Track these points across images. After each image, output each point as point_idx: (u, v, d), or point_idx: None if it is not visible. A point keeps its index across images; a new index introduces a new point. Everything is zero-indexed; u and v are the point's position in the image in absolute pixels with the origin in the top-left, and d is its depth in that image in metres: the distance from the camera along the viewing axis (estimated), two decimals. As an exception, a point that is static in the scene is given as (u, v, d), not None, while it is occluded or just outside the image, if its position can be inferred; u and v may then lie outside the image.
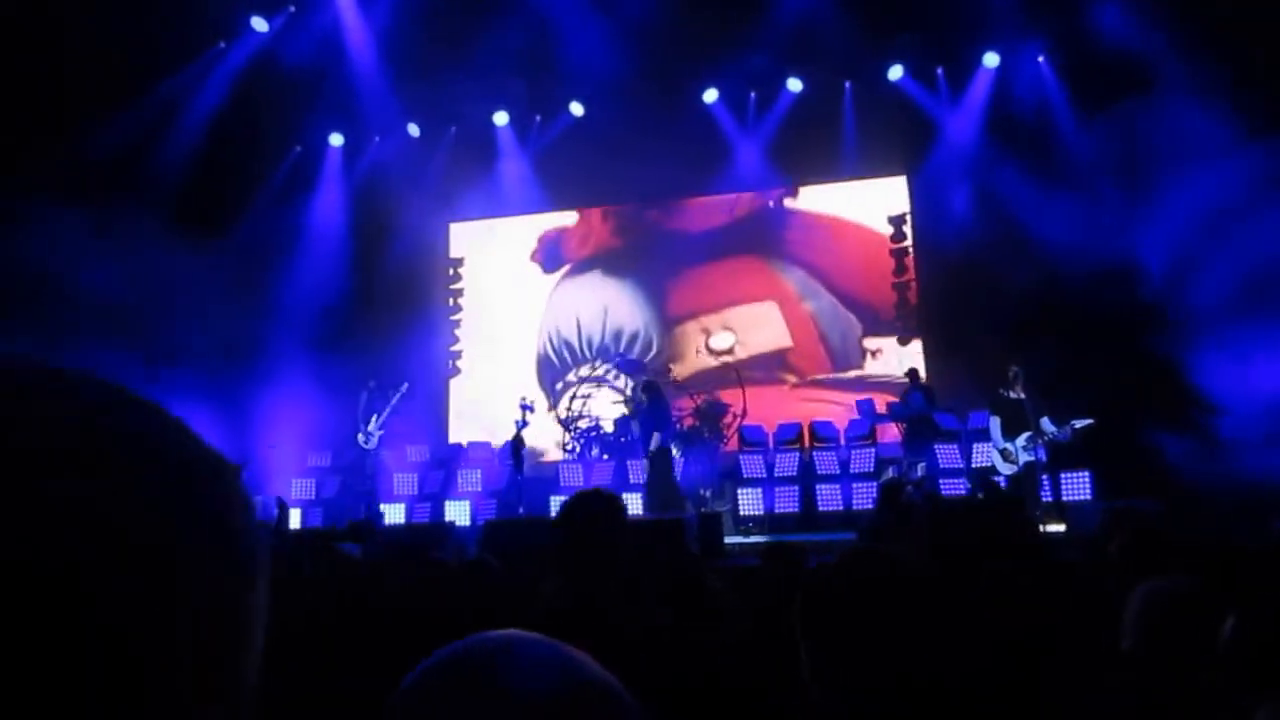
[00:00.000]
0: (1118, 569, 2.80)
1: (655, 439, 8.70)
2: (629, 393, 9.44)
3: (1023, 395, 7.47)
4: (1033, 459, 7.43)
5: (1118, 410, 7.87)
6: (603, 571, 2.08)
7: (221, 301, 10.17)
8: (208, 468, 0.42)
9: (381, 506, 10.06)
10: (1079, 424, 7.27)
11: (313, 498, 10.44)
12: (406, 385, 10.32)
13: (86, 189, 9.14)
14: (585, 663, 0.64)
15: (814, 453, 9.99)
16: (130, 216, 9.11)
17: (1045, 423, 7.39)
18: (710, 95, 12.16)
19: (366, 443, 10.15)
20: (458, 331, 13.11)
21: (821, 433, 10.47)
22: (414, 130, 12.58)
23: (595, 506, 2.20)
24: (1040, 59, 10.92)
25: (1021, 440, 7.44)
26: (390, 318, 11.79)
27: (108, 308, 8.41)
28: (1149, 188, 9.05)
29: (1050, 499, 7.99)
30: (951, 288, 10.81)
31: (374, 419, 10.19)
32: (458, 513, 9.71)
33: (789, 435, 10.53)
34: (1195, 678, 1.74)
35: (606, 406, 11.83)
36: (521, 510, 9.64)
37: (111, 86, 10.07)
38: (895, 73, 11.60)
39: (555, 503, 9.54)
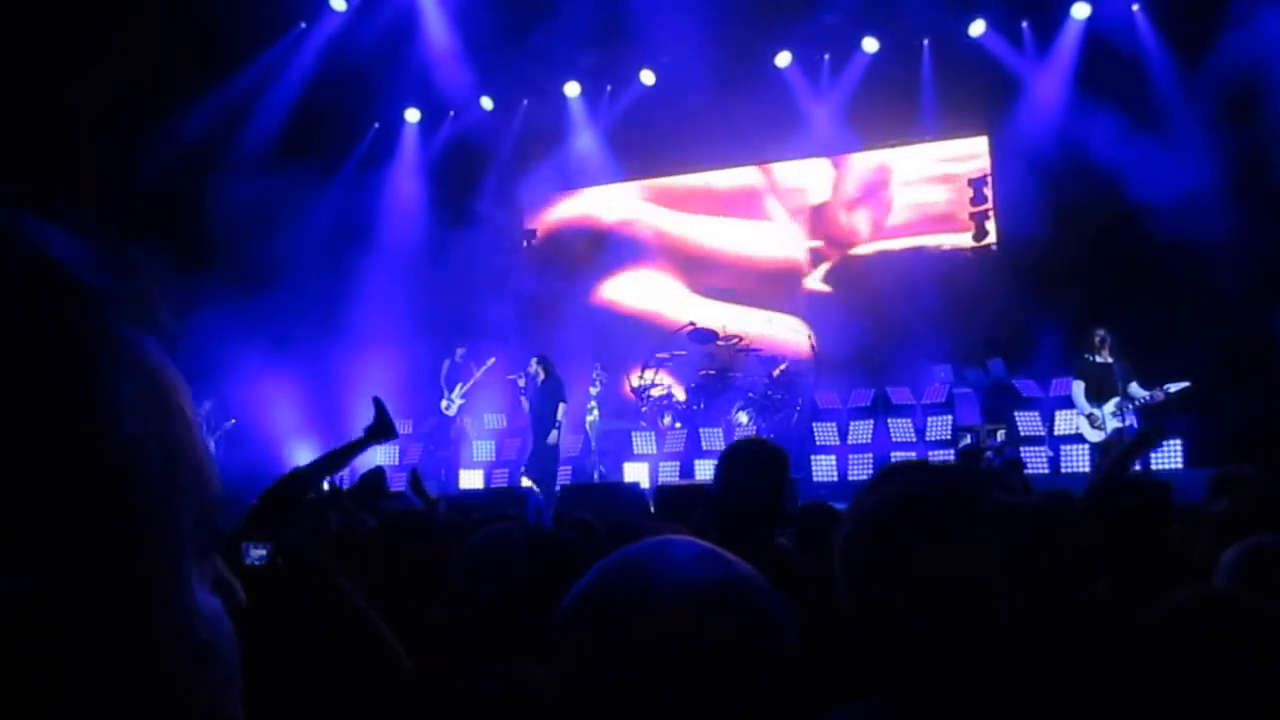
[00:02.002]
0: (1220, 531, 2.70)
1: (561, 409, 9.09)
2: (529, 367, 9.43)
3: (1110, 360, 7.21)
4: (1121, 425, 7.18)
5: (1214, 376, 7.52)
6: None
7: (306, 276, 10.52)
8: None
9: (461, 472, 10.35)
10: (1173, 387, 6.98)
11: (396, 464, 10.76)
12: (493, 359, 10.56)
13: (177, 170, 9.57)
14: (732, 559, 0.69)
15: (889, 420, 9.84)
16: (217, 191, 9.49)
17: (1134, 387, 7.13)
18: (783, 59, 11.93)
19: (449, 409, 10.45)
20: (533, 302, 13.26)
21: (896, 400, 10.29)
22: (487, 104, 12.71)
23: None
24: (1134, 7, 10.39)
25: (1110, 406, 7.19)
26: (470, 290, 12.00)
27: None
28: (1250, 144, 8.56)
29: (1140, 466, 7.71)
30: (1035, 250, 10.45)
31: (459, 387, 10.49)
32: (534, 479, 9.91)
33: (864, 402, 10.39)
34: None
35: (680, 375, 11.86)
36: (596, 476, 9.80)
37: (198, 70, 10.43)
38: (977, 28, 11.17)
39: (628, 469, 9.66)
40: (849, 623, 1.15)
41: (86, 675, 0.38)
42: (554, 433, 9.07)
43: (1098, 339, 7.28)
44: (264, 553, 1.87)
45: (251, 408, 10.17)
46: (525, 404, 9.61)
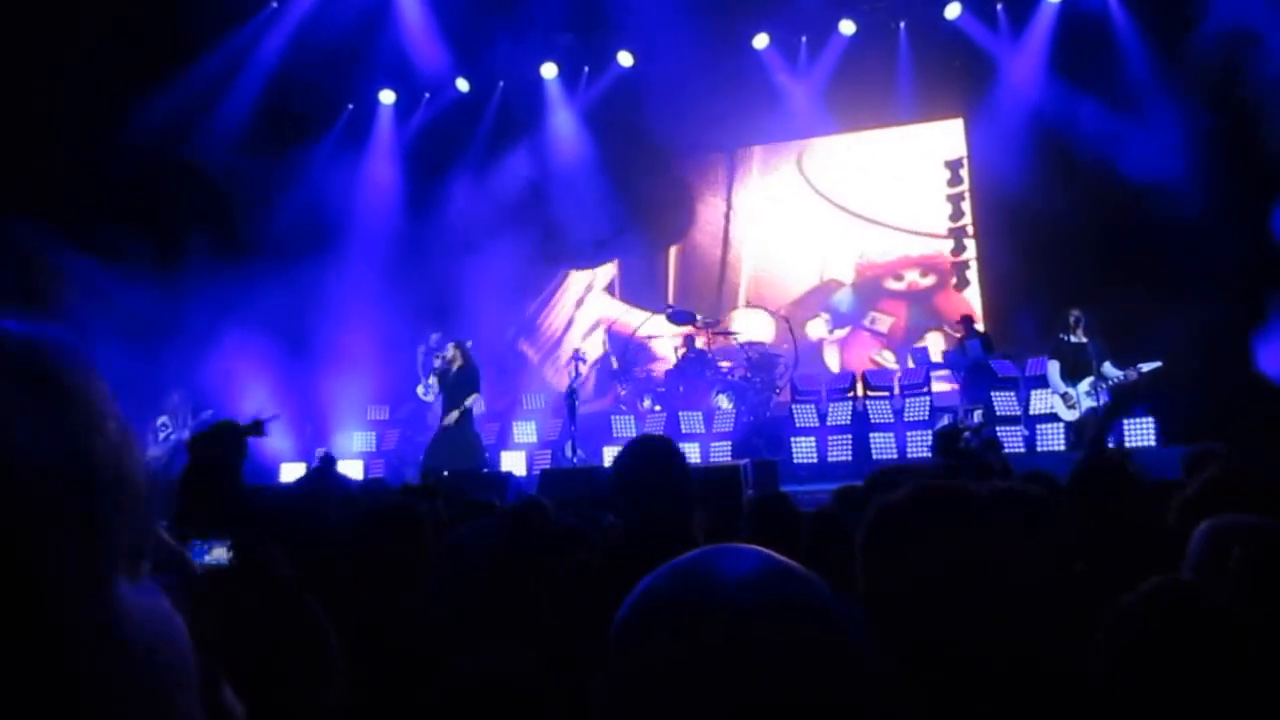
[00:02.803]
0: (1195, 509, 2.73)
1: (478, 400, 8.60)
2: (446, 351, 8.79)
3: (1084, 339, 7.29)
4: (1095, 404, 7.27)
5: (1188, 354, 7.62)
6: None
7: (281, 260, 10.40)
8: None
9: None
10: (1145, 367, 7.07)
11: (374, 450, 10.71)
12: (470, 342, 10.47)
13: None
14: (797, 566, 0.69)
15: (868, 401, 9.91)
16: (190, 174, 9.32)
17: (1108, 367, 7.22)
18: (760, 41, 11.91)
19: (426, 394, 10.37)
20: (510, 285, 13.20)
21: (875, 382, 10.37)
22: (463, 85, 12.58)
23: None
24: (1107, -13, 10.44)
25: (1084, 385, 7.28)
26: (446, 272, 11.92)
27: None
28: (1225, 123, 8.64)
29: (1113, 444, 7.83)
30: (1010, 232, 10.54)
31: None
32: (514, 463, 9.90)
33: (842, 385, 10.45)
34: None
35: (659, 358, 11.89)
36: (575, 460, 9.79)
37: (169, 51, 10.23)
38: (953, 11, 11.20)
39: (609, 453, 9.66)
40: (870, 621, 1.17)
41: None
42: (455, 413, 8.49)
43: (1072, 319, 7.36)
44: (224, 553, 1.80)
45: (226, 396, 10.06)
46: (434, 383, 8.98)
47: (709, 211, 12.80)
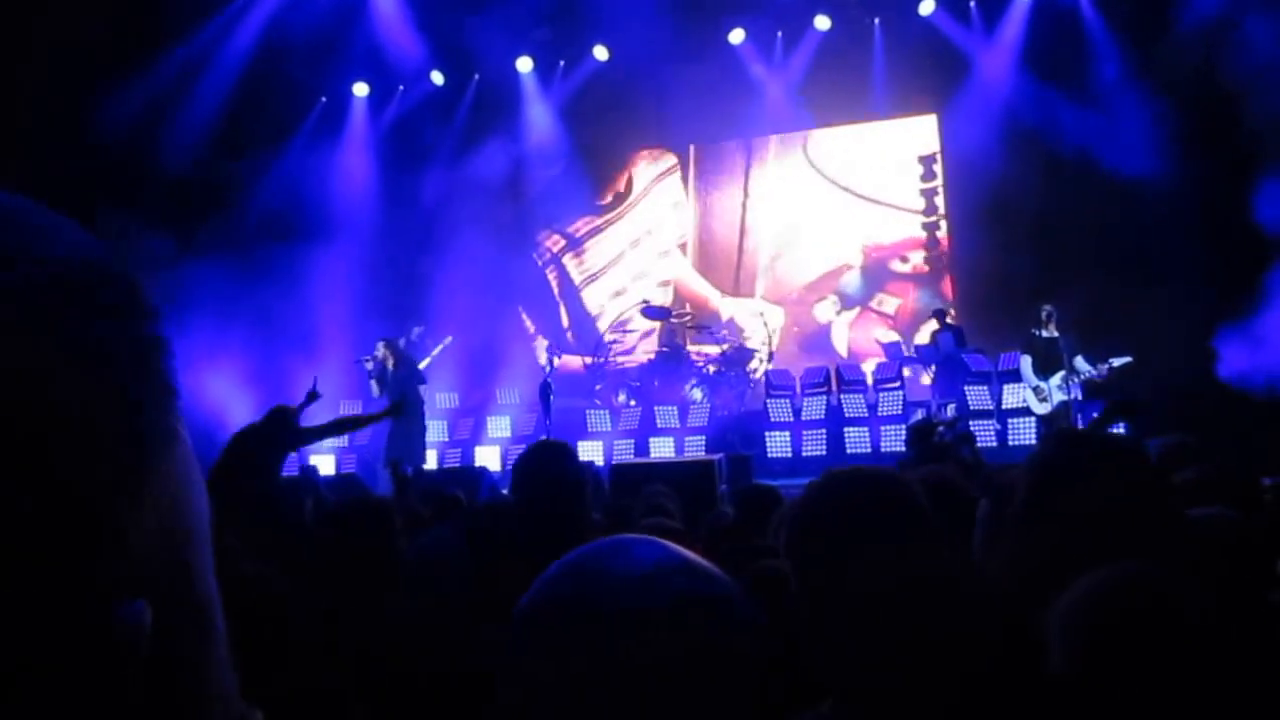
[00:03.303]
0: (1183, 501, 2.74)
1: (424, 391, 8.36)
2: (377, 352, 8.46)
3: (1055, 334, 7.37)
4: (1067, 397, 7.34)
5: (1158, 348, 7.72)
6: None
7: (255, 252, 10.26)
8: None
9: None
10: (1117, 362, 7.15)
11: (346, 445, 10.59)
12: (450, 338, 10.40)
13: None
14: (685, 551, 0.70)
15: (841, 396, 9.95)
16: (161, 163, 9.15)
17: (1079, 361, 7.29)
18: (736, 36, 11.91)
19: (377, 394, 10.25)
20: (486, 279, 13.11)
21: (849, 376, 10.41)
22: (438, 79, 12.48)
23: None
24: (1079, -16, 10.55)
25: (1055, 379, 7.35)
26: (423, 267, 11.82)
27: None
28: (1195, 119, 8.74)
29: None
30: (984, 227, 10.62)
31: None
32: (488, 458, 9.85)
33: (816, 379, 10.49)
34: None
35: (633, 353, 11.86)
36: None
37: (141, 40, 10.03)
38: (926, 7, 11.26)
39: (583, 447, 9.63)
40: (798, 623, 1.15)
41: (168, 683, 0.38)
42: (427, 422, 8.43)
43: (1044, 314, 7.42)
44: None
45: (199, 390, 9.92)
46: (375, 388, 8.70)
47: (726, 200, 12.71)
